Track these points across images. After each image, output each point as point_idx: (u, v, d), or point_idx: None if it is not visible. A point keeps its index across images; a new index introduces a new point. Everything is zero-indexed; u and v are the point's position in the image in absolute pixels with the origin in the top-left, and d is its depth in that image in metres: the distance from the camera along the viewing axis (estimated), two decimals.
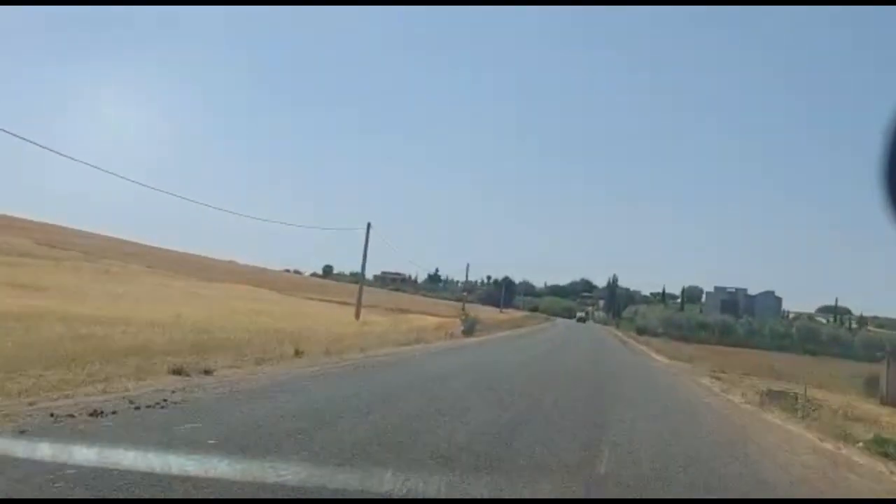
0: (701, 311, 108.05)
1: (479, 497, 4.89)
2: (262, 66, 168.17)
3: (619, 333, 72.54)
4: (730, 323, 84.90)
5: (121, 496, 4.01)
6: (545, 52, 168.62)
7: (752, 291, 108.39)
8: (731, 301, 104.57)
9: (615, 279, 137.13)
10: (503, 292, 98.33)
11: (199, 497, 4.14)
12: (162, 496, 4.09)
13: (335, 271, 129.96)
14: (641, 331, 75.01)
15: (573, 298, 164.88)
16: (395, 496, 4.56)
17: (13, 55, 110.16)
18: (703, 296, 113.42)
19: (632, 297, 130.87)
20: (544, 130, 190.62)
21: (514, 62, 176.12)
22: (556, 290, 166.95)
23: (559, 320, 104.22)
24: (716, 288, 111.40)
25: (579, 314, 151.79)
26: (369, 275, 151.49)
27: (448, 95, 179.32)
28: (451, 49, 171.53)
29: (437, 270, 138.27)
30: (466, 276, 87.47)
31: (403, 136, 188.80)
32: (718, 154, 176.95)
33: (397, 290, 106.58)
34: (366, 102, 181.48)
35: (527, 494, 5.13)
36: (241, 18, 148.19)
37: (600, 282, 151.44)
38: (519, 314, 78.53)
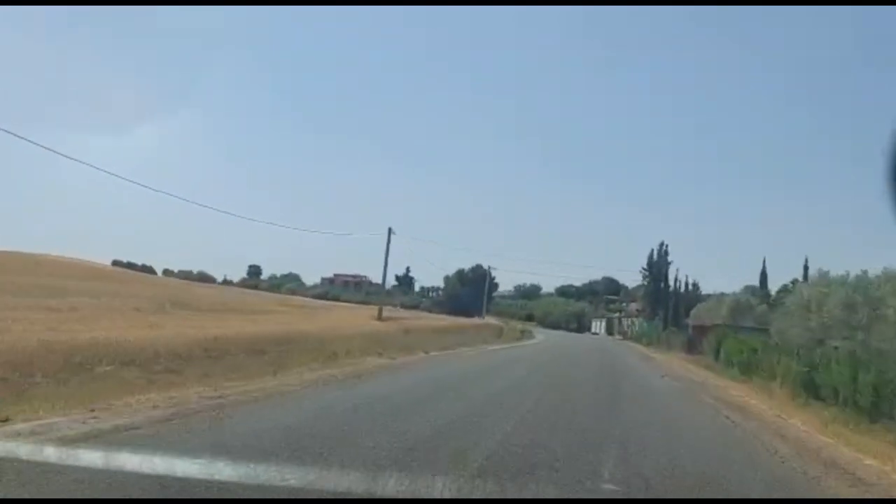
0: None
1: (481, 497, 4.87)
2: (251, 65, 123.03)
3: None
4: None
5: None
6: (553, 49, 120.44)
7: None
8: None
9: (665, 250, 71.60)
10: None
11: None
12: None
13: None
14: None
15: (589, 300, 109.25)
16: None
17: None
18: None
19: (697, 296, 65.30)
20: (553, 121, 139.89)
21: (516, 62, 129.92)
22: (567, 293, 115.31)
23: (543, 336, 56.02)
24: None
25: (593, 327, 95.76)
26: (317, 277, 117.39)
27: (448, 93, 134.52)
28: (453, 50, 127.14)
29: (407, 270, 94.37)
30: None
31: (395, 131, 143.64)
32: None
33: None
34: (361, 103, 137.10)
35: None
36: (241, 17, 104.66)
37: (630, 282, 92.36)
38: (468, 323, 49.06)
